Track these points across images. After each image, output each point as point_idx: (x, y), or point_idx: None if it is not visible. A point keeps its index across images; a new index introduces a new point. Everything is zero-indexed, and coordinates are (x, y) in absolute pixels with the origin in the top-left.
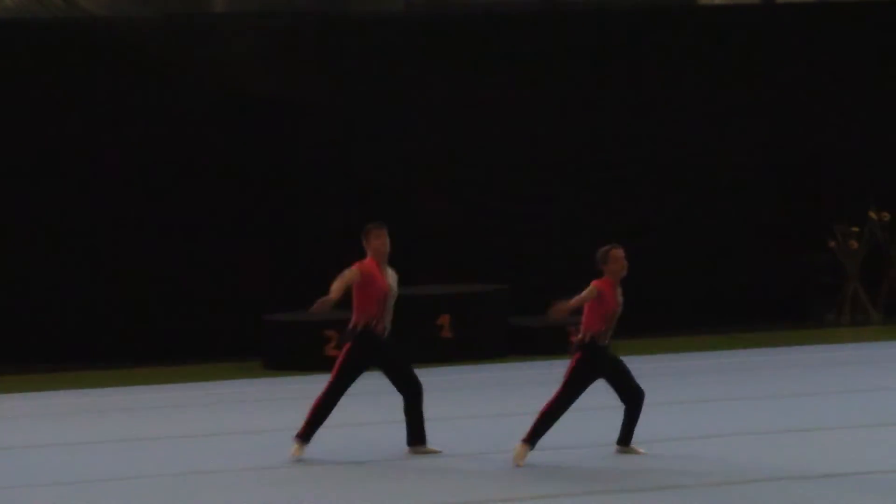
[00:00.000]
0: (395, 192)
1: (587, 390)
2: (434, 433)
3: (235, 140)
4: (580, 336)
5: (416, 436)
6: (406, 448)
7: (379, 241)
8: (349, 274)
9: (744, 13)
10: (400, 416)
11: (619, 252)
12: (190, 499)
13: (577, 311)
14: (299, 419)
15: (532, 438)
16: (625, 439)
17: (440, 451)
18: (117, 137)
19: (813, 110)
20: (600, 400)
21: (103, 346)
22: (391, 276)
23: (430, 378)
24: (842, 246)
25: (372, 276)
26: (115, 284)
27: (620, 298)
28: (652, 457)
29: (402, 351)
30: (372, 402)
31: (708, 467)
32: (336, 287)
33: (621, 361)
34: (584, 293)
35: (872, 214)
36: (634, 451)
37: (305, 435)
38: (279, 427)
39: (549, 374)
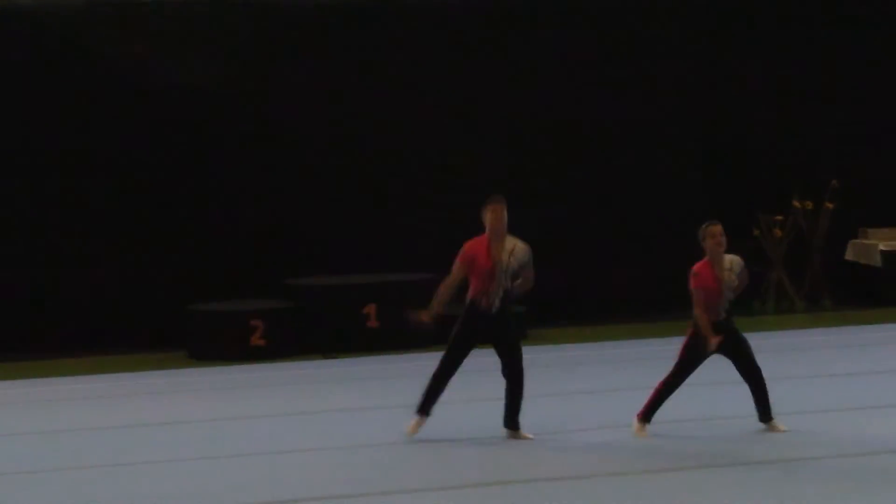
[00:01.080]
0: (319, 182)
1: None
2: (359, 423)
3: (157, 129)
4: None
5: (509, 420)
6: (503, 430)
7: (493, 216)
8: (451, 276)
9: (660, 15)
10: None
11: (714, 228)
12: (109, 489)
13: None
14: (226, 409)
15: (646, 414)
16: (764, 416)
17: (531, 438)
18: (39, 127)
19: (738, 99)
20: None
21: (25, 337)
22: (506, 251)
23: (357, 367)
24: (766, 234)
25: (474, 254)
26: (37, 274)
27: (724, 274)
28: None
29: (511, 332)
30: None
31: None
32: (439, 298)
33: (741, 338)
34: (693, 300)
35: (796, 203)
36: (776, 428)
37: (423, 408)
38: (206, 417)
39: (476, 362)
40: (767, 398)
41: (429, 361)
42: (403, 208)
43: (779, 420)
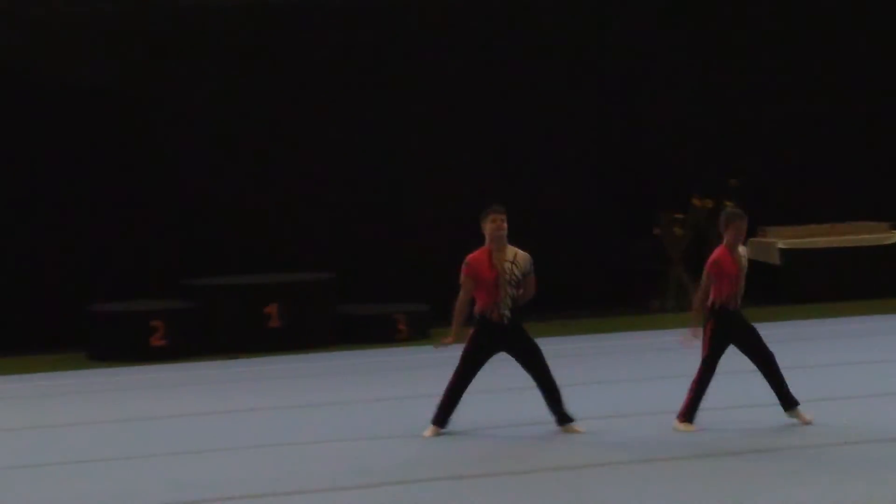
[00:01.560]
0: (220, 182)
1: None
2: (261, 423)
3: (54, 128)
4: (710, 302)
5: (560, 417)
6: (557, 427)
7: (494, 226)
8: (462, 293)
9: (573, 18)
10: None
11: (742, 224)
12: (3, 495)
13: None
14: (126, 410)
15: (687, 415)
16: (787, 404)
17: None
18: None
19: (638, 98)
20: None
21: None
22: (508, 260)
23: (258, 368)
24: (666, 233)
25: (477, 266)
26: None
27: (744, 261)
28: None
29: (528, 340)
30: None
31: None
32: (457, 319)
33: (752, 327)
34: (703, 281)
35: (696, 202)
36: (800, 417)
37: (438, 420)
38: (105, 418)
39: (377, 362)
40: (785, 384)
41: (330, 361)
42: (304, 207)
43: (804, 408)
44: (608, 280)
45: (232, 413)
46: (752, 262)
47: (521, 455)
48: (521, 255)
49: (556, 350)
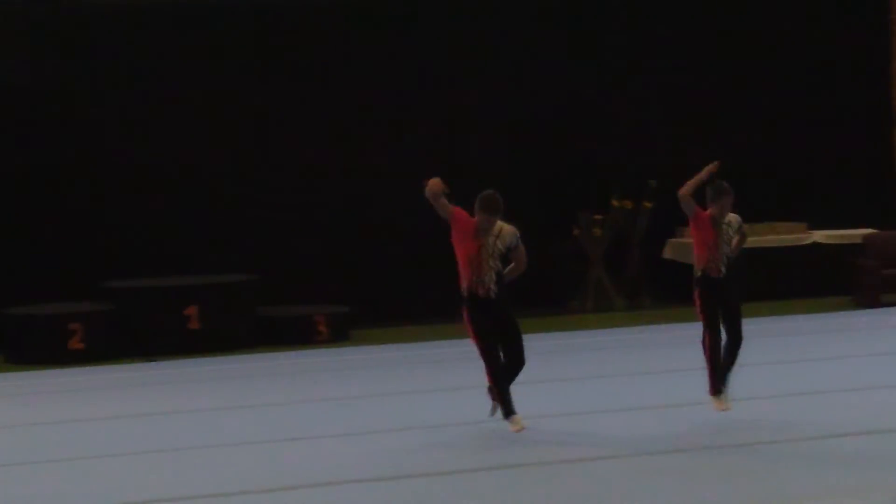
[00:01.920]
0: (137, 183)
1: None
2: (179, 426)
3: None
4: (695, 271)
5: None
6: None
7: (483, 218)
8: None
9: (478, 12)
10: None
11: (729, 200)
12: None
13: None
14: (44, 413)
15: (716, 386)
16: (715, 388)
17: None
18: None
19: (557, 100)
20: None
21: None
22: (492, 234)
23: (178, 370)
24: (586, 233)
25: (463, 224)
26: None
27: (730, 231)
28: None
29: (512, 317)
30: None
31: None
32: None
33: (735, 304)
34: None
35: (615, 202)
36: (718, 404)
37: (507, 412)
38: (22, 422)
39: (297, 364)
40: (728, 370)
41: (250, 363)
42: (224, 209)
43: (727, 398)
44: (528, 280)
45: (151, 416)
46: (670, 263)
47: (451, 455)
48: (507, 229)
49: (474, 351)
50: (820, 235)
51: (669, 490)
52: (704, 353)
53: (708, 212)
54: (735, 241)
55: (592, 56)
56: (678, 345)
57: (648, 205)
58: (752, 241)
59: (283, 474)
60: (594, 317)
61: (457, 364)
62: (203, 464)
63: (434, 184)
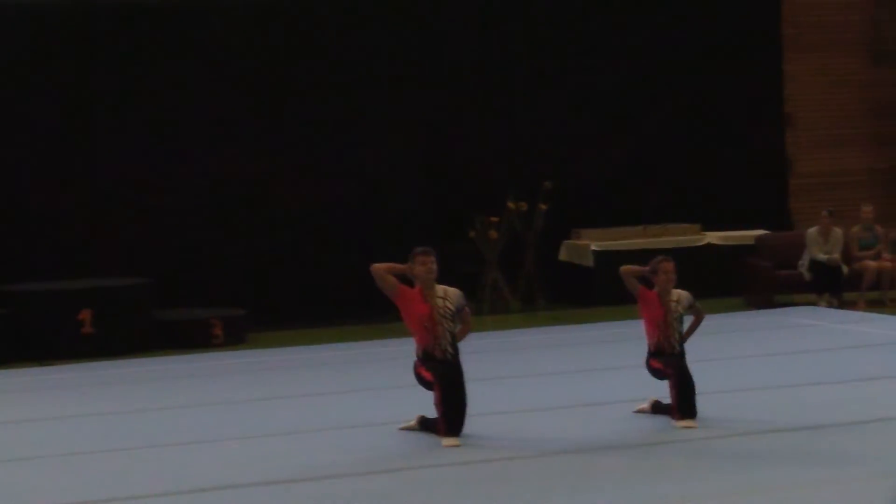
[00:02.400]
0: (32, 185)
1: None
2: (73, 430)
3: None
4: (648, 347)
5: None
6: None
7: (424, 269)
8: (382, 272)
9: (395, 24)
10: None
11: (668, 265)
12: None
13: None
14: None
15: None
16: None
17: None
18: None
19: (452, 102)
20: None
21: None
22: (439, 296)
23: (72, 374)
24: (481, 235)
25: (410, 298)
26: None
27: (673, 305)
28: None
29: (463, 390)
30: None
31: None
32: (391, 267)
33: (689, 379)
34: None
35: (511, 204)
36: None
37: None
38: None
39: (193, 368)
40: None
41: (145, 367)
42: (120, 211)
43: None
44: None
45: (43, 421)
46: (565, 264)
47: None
48: (452, 292)
49: (373, 353)
50: (713, 236)
51: (572, 490)
52: (672, 387)
53: (653, 290)
54: (691, 323)
55: (488, 57)
56: (573, 346)
57: (544, 206)
58: (647, 242)
59: (178, 478)
60: (490, 318)
61: (352, 367)
62: (95, 469)
63: (379, 266)
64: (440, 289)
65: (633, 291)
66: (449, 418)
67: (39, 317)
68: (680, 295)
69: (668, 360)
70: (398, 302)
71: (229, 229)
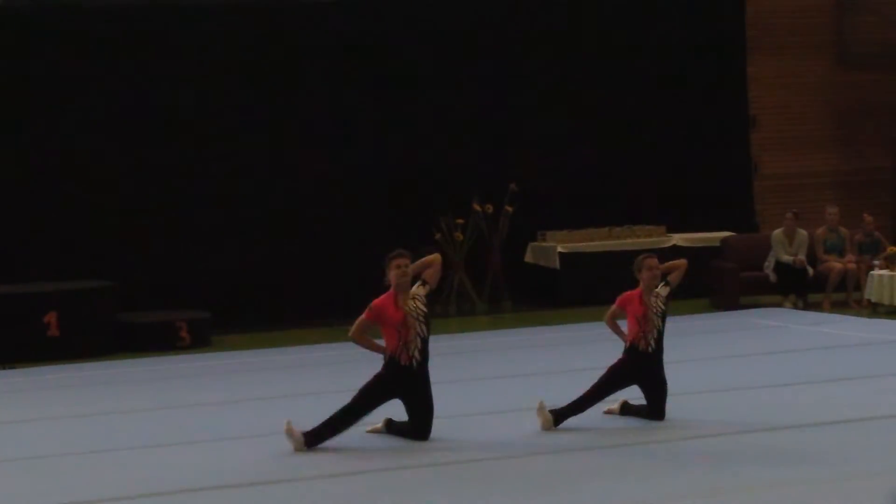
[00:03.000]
0: (8, 188)
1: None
2: (36, 434)
3: None
4: (625, 342)
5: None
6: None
7: (399, 272)
8: (356, 328)
9: (357, 24)
10: None
11: (651, 261)
12: None
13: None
14: None
15: (558, 420)
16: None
17: None
18: None
19: (418, 105)
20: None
21: None
22: (411, 299)
23: (37, 377)
24: (447, 237)
25: (383, 307)
26: None
27: (655, 301)
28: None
29: (427, 387)
30: None
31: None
32: (373, 346)
33: (661, 380)
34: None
35: (477, 206)
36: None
37: (311, 440)
38: None
39: (158, 370)
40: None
41: (110, 370)
42: (84, 214)
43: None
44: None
45: (6, 424)
46: (531, 266)
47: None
48: (417, 287)
49: (335, 356)
50: (679, 238)
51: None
52: (581, 396)
53: (636, 290)
54: (676, 273)
55: (454, 59)
56: (539, 347)
57: (509, 208)
58: (612, 244)
59: (140, 482)
60: (456, 320)
61: (318, 369)
62: (57, 472)
63: (355, 334)
64: (411, 291)
65: (621, 313)
66: (321, 427)
67: (4, 319)
68: (660, 290)
69: (631, 362)
70: (379, 318)
71: (194, 232)
